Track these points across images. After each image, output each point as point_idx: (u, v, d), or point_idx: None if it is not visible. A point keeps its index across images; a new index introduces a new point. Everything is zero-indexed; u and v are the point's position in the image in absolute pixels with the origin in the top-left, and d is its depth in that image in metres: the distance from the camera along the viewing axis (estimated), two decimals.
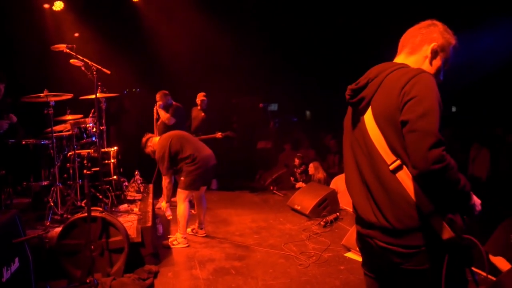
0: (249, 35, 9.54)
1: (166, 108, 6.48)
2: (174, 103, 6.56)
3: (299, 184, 7.87)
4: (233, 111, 10.85)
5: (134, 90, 10.87)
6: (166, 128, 6.23)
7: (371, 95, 1.82)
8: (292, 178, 8.15)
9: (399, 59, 1.95)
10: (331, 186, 6.55)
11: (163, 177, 4.89)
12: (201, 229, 5.18)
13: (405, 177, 1.69)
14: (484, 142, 7.91)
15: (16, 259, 3.01)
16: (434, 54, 1.87)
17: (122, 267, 3.79)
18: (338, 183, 6.46)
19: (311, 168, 7.73)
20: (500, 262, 3.68)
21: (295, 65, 11.27)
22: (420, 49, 1.89)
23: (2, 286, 2.69)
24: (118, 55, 7.74)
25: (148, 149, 5.07)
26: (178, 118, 6.50)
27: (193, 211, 5.28)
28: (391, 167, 1.72)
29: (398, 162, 1.70)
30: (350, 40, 10.31)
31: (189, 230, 5.16)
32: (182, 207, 4.80)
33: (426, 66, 1.88)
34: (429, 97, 1.62)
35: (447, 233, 1.64)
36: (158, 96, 6.51)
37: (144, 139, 5.14)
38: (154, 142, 5.03)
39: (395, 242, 1.73)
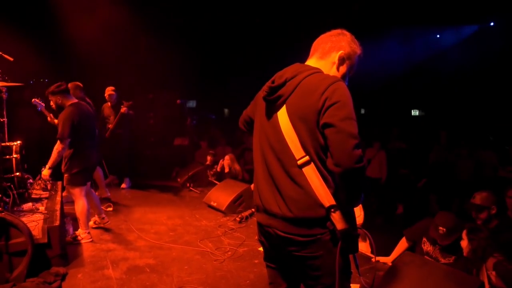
0: (168, 31, 9.38)
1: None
2: (87, 99, 6.18)
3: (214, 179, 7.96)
4: (150, 106, 10.59)
5: (41, 80, 10.08)
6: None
7: (288, 94, 1.94)
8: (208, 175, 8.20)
9: (310, 62, 2.08)
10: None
11: (57, 143, 4.43)
12: (103, 218, 5.08)
13: (310, 172, 1.84)
14: (383, 144, 8.58)
15: None
16: (341, 61, 2.04)
17: (24, 271, 3.51)
18: None
19: (227, 159, 7.82)
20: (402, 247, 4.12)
21: (214, 63, 11.33)
22: (329, 55, 2.04)
23: None
24: (25, 42, 7.14)
25: (55, 99, 4.53)
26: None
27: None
28: (299, 162, 1.86)
29: (307, 158, 1.85)
30: (267, 40, 10.64)
31: (91, 223, 5.03)
32: (80, 204, 4.65)
33: (333, 71, 2.04)
34: (349, 104, 1.79)
35: (342, 224, 1.83)
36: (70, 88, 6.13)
37: (58, 87, 4.53)
38: (68, 99, 4.56)
39: (294, 231, 1.89)
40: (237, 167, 7.75)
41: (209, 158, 8.29)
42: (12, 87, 4.98)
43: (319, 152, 1.84)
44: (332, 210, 1.82)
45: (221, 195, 6.22)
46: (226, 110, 16.94)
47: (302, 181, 1.85)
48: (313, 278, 1.94)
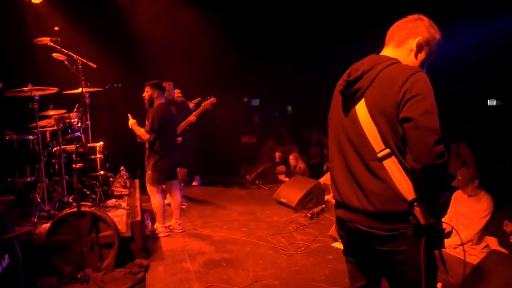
0: (232, 31, 9.54)
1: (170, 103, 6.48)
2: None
3: (282, 177, 7.97)
4: (217, 106, 10.83)
5: (116, 85, 10.71)
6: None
7: (366, 87, 1.87)
8: (276, 171, 8.24)
9: (386, 51, 2.00)
10: (322, 180, 6.67)
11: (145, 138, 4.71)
12: (178, 225, 5.15)
13: (392, 165, 1.78)
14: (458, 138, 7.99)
15: (6, 256, 2.97)
16: (419, 47, 1.94)
17: (112, 262, 3.78)
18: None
19: (292, 159, 7.85)
20: (492, 242, 4.03)
21: (277, 60, 11.32)
22: (406, 42, 1.95)
23: None
24: (101, 49, 7.61)
25: (151, 92, 4.83)
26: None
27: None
28: (379, 155, 1.80)
29: (388, 151, 1.78)
30: (330, 35, 10.43)
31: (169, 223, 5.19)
32: (156, 200, 4.88)
33: (411, 59, 1.95)
34: (430, 96, 1.71)
35: (425, 219, 1.74)
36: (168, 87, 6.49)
37: (159, 83, 4.89)
38: (160, 98, 4.85)
39: (377, 226, 1.82)
40: (301, 165, 7.73)
41: (277, 154, 8.32)
42: (92, 92, 5.35)
43: (400, 145, 1.77)
44: (415, 204, 1.75)
45: (291, 192, 6.21)
46: (289, 108, 16.89)
47: (383, 175, 1.79)
48: (398, 273, 1.88)
